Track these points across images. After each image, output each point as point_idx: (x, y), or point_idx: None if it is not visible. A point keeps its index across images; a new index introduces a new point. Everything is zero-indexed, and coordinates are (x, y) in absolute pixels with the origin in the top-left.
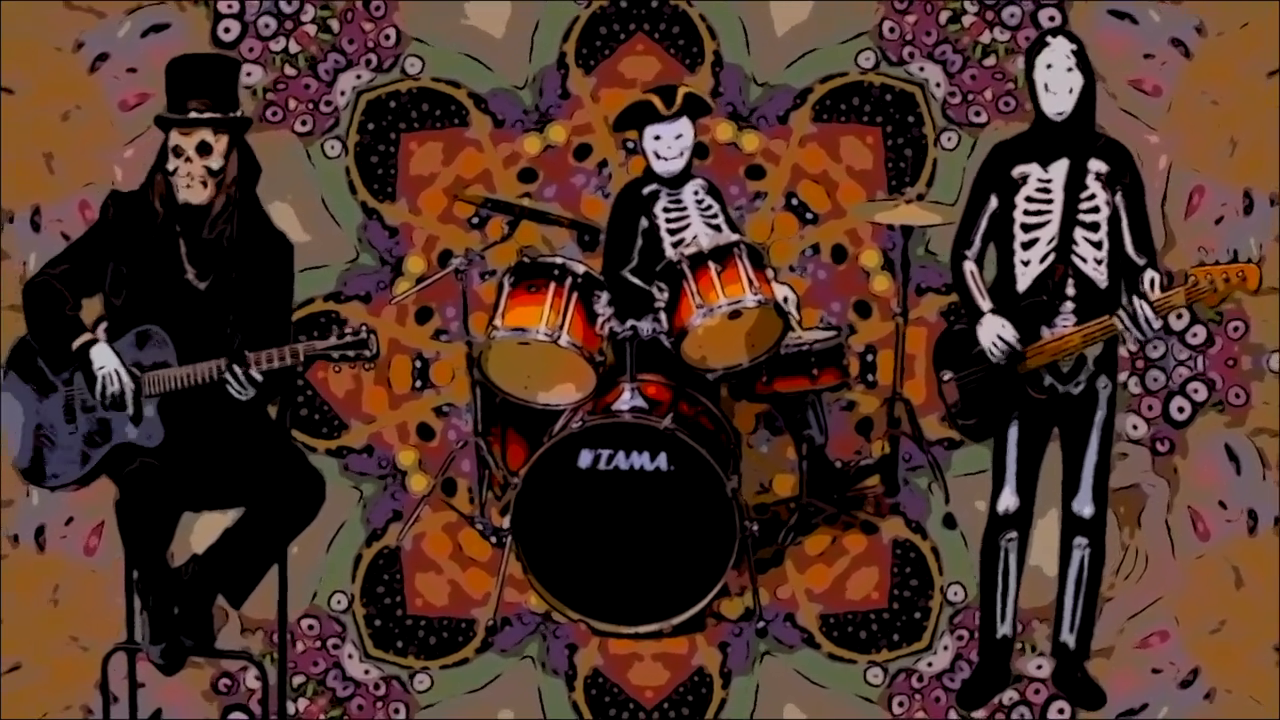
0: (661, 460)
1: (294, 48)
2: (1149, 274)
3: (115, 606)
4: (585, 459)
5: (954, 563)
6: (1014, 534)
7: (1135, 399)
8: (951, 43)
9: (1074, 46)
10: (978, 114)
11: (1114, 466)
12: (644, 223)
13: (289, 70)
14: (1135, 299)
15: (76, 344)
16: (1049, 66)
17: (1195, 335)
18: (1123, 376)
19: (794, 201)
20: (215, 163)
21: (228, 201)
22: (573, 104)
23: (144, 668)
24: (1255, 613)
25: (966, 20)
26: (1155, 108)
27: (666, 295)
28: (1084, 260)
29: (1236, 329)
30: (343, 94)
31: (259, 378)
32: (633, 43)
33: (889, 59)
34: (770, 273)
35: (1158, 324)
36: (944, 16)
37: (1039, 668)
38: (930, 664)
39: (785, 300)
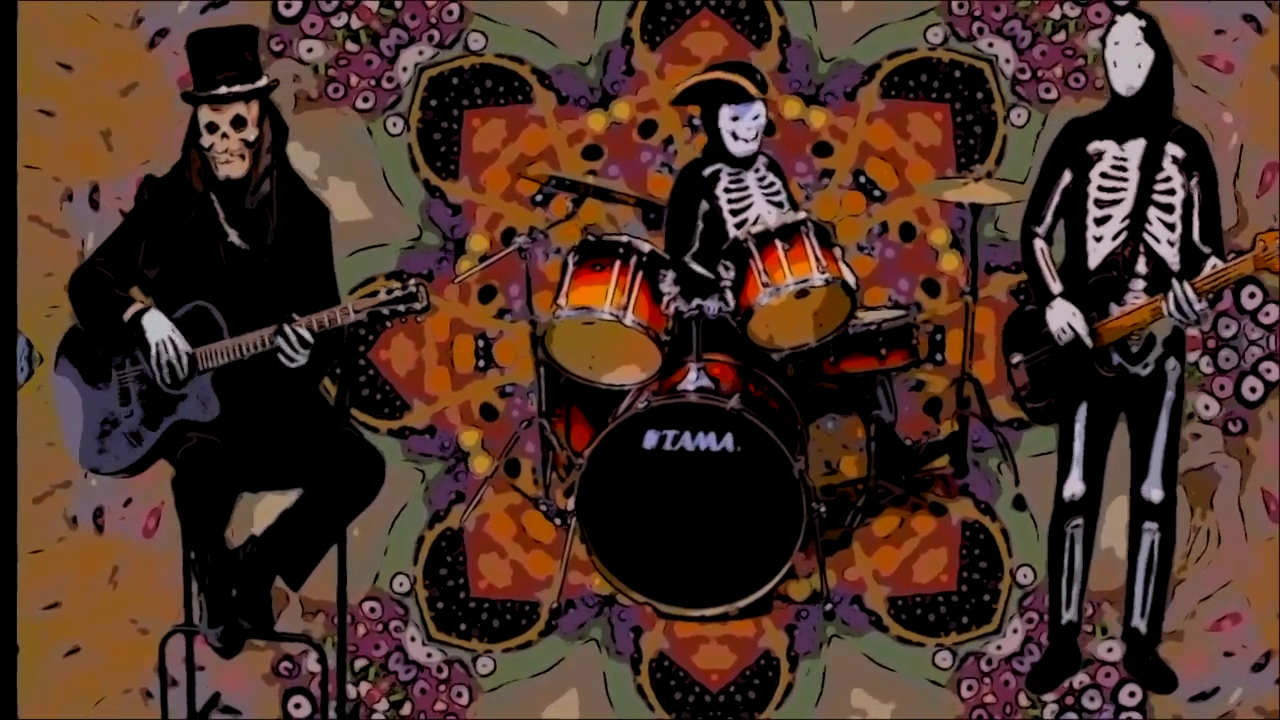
0: (728, 441)
1: (355, 23)
2: (1212, 261)
3: (174, 589)
4: (651, 440)
5: (1024, 545)
6: (1080, 520)
7: (1207, 379)
8: (1021, 18)
9: (1142, 23)
10: (1048, 90)
11: (1186, 447)
12: (704, 205)
13: (350, 46)
14: (1176, 281)
15: (128, 314)
16: (1117, 43)
17: (1268, 314)
18: (1194, 356)
19: (862, 179)
20: (251, 134)
21: (267, 168)
22: (638, 80)
23: (203, 650)
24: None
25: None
26: (1227, 84)
27: (733, 274)
28: (1157, 240)
29: None
30: (405, 70)
31: (309, 338)
32: (698, 18)
33: (958, 35)
34: (838, 251)
35: (1200, 305)
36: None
37: (1110, 651)
38: (999, 647)
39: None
